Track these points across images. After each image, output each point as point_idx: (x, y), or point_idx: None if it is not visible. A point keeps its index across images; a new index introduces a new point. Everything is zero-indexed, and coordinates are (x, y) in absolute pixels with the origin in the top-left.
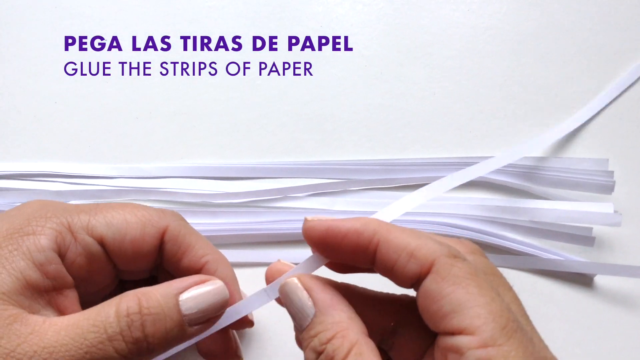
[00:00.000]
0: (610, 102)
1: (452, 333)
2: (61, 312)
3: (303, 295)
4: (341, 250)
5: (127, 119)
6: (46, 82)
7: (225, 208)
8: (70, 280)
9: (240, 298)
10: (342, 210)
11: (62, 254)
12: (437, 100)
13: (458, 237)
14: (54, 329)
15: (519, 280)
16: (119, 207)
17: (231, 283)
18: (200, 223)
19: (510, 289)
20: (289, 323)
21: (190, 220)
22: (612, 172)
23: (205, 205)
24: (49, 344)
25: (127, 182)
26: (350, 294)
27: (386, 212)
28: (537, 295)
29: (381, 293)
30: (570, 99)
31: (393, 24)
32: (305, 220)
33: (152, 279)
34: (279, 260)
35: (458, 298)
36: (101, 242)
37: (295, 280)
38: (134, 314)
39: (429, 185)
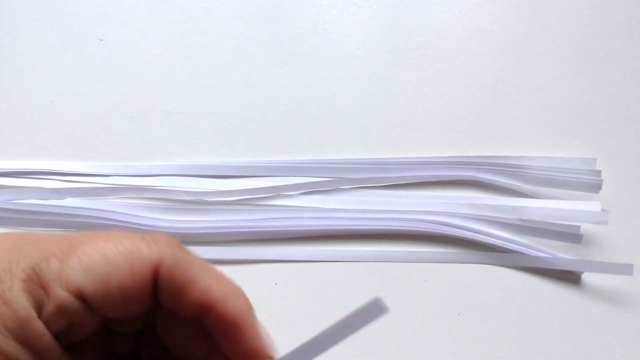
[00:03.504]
0: (599, 103)
1: None
2: None
3: None
4: None
5: (123, 117)
6: (43, 81)
7: (218, 206)
8: (58, 347)
9: (257, 334)
10: (334, 209)
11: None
12: (429, 101)
13: None
14: None
15: (508, 278)
16: (99, 240)
17: (245, 318)
18: (194, 220)
19: None
20: None
21: (184, 217)
22: (600, 171)
23: (199, 202)
24: None
25: (122, 180)
26: None
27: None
28: (525, 293)
29: None
30: (560, 99)
31: (386, 26)
32: None
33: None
34: None
35: None
36: (80, 295)
37: None
38: None
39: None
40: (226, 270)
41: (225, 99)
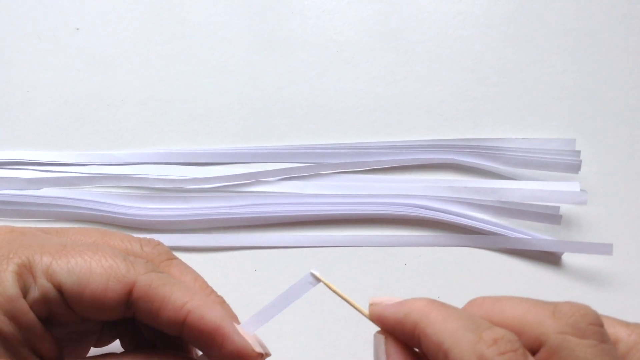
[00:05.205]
0: (577, 83)
1: None
2: (43, 355)
3: (382, 357)
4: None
5: (100, 106)
6: (18, 70)
7: (197, 193)
8: (40, 325)
9: (239, 335)
10: (313, 194)
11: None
12: (408, 84)
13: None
14: None
15: (488, 260)
16: (88, 251)
17: (223, 324)
18: (172, 208)
19: None
20: None
21: (162, 205)
22: (579, 151)
23: (177, 190)
24: None
25: (99, 169)
26: None
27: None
28: (506, 274)
29: None
30: (538, 81)
31: (364, 10)
32: (370, 305)
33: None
34: None
35: None
36: (59, 289)
37: (382, 339)
38: None
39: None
40: (205, 258)
41: (202, 85)
